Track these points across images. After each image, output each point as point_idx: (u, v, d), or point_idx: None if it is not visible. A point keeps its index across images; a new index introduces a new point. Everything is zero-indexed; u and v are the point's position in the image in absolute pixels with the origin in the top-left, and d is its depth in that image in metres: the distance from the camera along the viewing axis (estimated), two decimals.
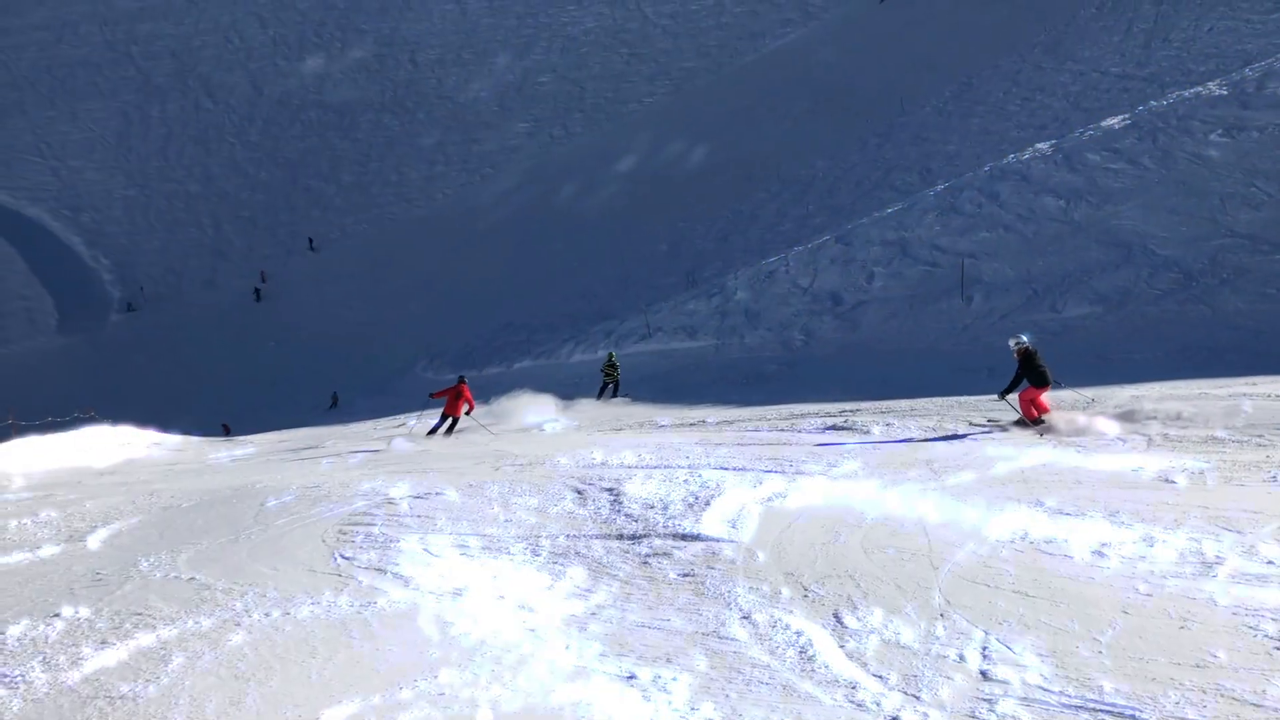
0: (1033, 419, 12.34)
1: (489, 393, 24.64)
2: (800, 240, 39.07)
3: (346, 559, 7.65)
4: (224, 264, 73.49)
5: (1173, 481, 8.16)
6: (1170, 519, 6.95)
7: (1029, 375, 12.50)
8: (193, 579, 7.40)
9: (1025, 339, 12.98)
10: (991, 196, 28.69)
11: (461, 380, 19.72)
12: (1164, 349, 18.17)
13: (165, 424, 32.87)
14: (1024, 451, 10.01)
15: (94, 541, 9.37)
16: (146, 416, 33.92)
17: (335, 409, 39.62)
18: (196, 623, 6.20)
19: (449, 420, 19.18)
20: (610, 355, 29.56)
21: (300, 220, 75.71)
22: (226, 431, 40.47)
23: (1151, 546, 6.36)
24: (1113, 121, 31.48)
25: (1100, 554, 6.29)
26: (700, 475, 9.66)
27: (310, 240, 71.66)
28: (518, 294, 54.64)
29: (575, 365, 31.72)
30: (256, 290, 67.71)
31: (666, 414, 18.21)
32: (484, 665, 5.17)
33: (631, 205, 60.52)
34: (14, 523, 10.76)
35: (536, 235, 61.88)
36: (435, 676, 5.04)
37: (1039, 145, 32.18)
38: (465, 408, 19.12)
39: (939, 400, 14.76)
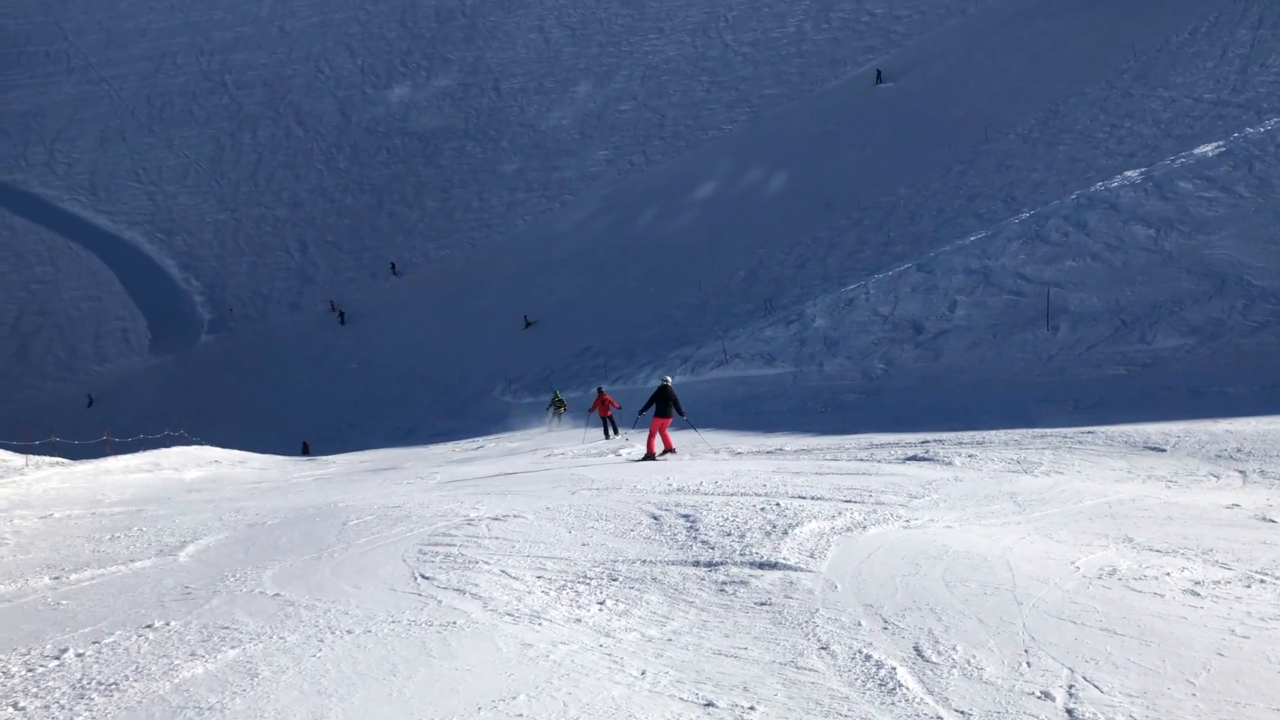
0: (651, 451, 16.43)
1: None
2: (881, 268, 38.74)
3: (426, 579, 7.74)
4: (309, 287, 75.41)
5: (1271, 520, 7.88)
6: (1269, 559, 6.71)
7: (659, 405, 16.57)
8: (277, 595, 7.57)
9: (669, 379, 17.48)
10: (1079, 225, 28.11)
11: (600, 390, 24.68)
12: (1259, 383, 17.54)
13: (250, 443, 33.93)
14: (1112, 487, 9.74)
15: (184, 556, 9.64)
16: (233, 435, 35.23)
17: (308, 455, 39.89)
18: (281, 638, 6.32)
19: (605, 422, 23.84)
20: (555, 393, 31.50)
21: (384, 245, 77.47)
22: (305, 450, 41.61)
23: (1248, 587, 6.14)
24: (1206, 149, 30.69)
25: (1193, 593, 6.08)
26: (778, 504, 9.58)
27: (393, 265, 73.70)
28: (595, 319, 54.99)
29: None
30: (340, 313, 69.32)
31: (743, 442, 18.18)
32: (561, 688, 5.17)
33: (710, 232, 60.65)
34: (109, 537, 11.19)
35: (614, 261, 62.33)
36: (514, 698, 5.06)
37: (1128, 174, 31.46)
38: (610, 409, 23.65)
39: (1022, 432, 14.46)
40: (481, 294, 65.15)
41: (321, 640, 6.22)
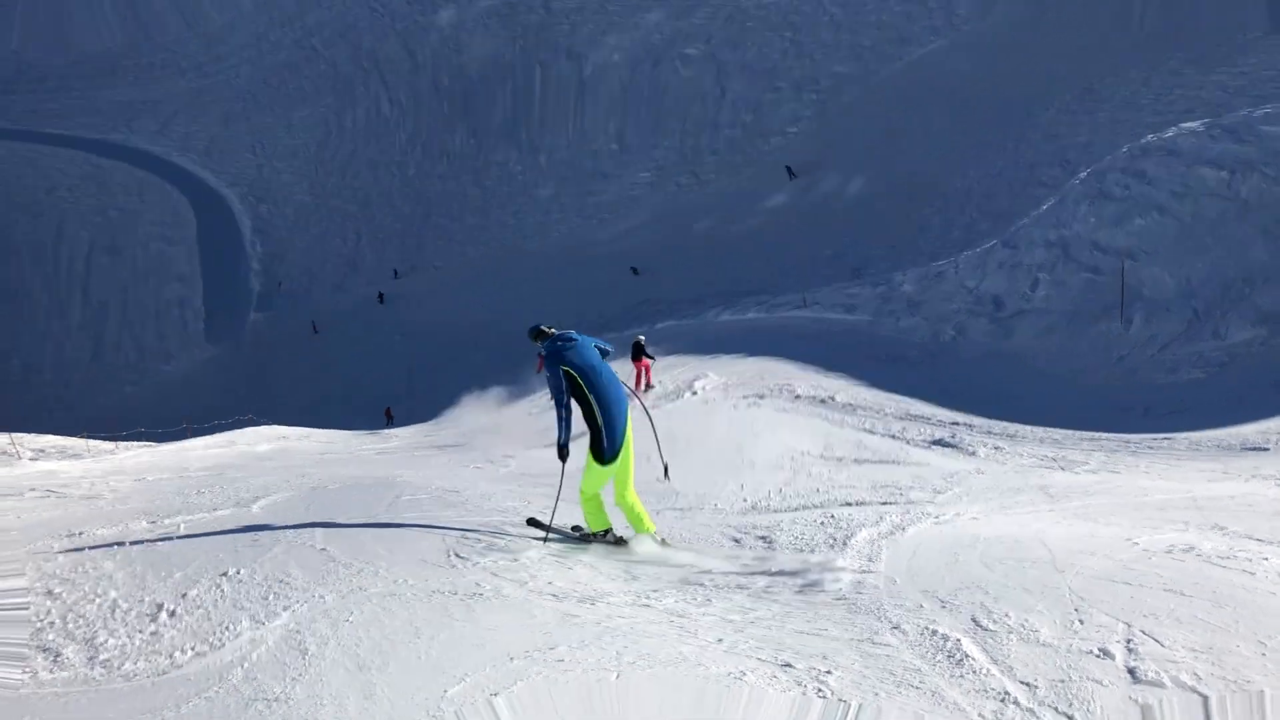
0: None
1: None
2: (969, 245, 38.52)
3: (461, 558, 7.70)
4: (354, 274, 79.10)
5: None
6: None
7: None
8: (324, 550, 7.92)
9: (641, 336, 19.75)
10: (1138, 176, 27.22)
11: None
12: None
13: (311, 419, 35.27)
14: (1200, 485, 9.46)
15: (256, 509, 10.52)
16: (293, 413, 36.70)
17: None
18: (321, 597, 6.55)
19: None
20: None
21: (429, 237, 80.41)
22: (389, 416, 44.95)
23: None
24: None
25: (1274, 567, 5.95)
26: (832, 515, 9.68)
27: (395, 271, 78.31)
28: (667, 272, 55.39)
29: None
30: (380, 294, 73.99)
31: (803, 380, 20.32)
32: (613, 643, 5.17)
33: (797, 225, 60.59)
34: (195, 491, 12.40)
35: (674, 266, 61.91)
36: (551, 649, 5.10)
37: (1185, 125, 29.63)
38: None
39: (1066, 432, 14.07)
40: (520, 290, 65.66)
41: (352, 603, 6.36)
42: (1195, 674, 4.41)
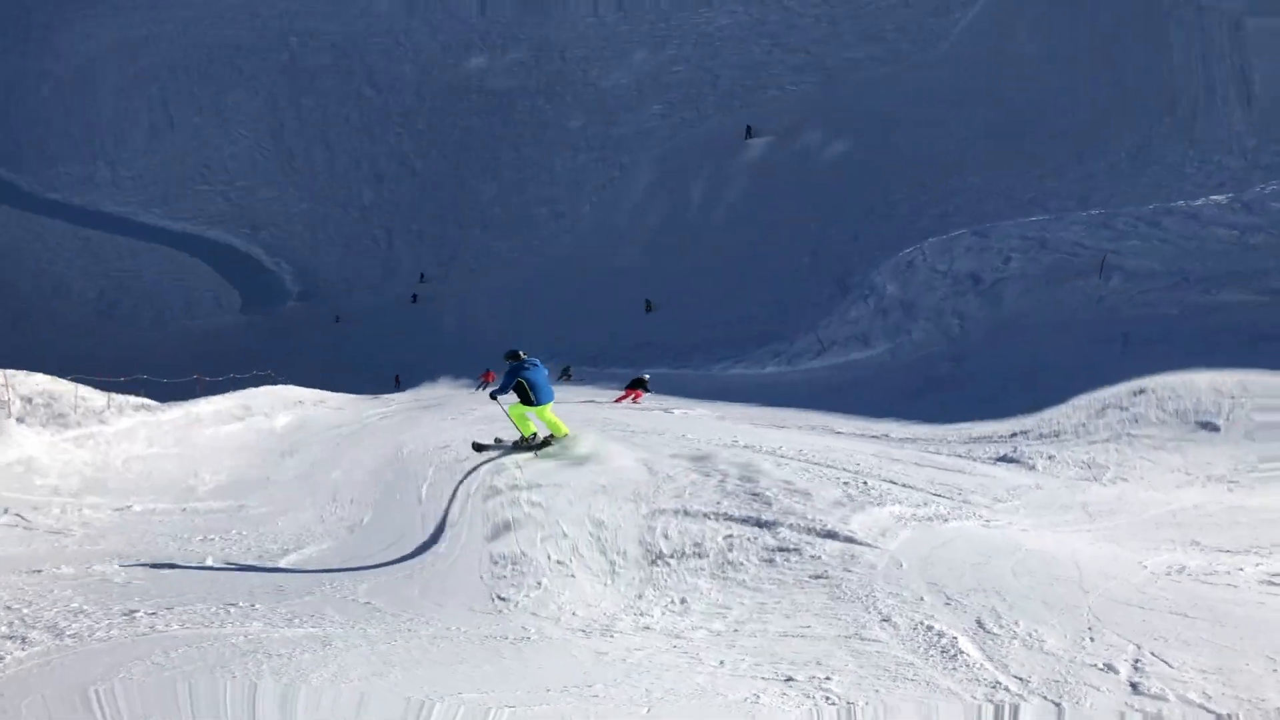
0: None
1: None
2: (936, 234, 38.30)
3: (503, 599, 7.75)
4: (392, 278, 78.11)
5: None
6: None
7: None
8: (369, 603, 7.60)
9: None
10: (1152, 224, 27.24)
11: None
12: None
13: (331, 384, 35.61)
14: (1174, 494, 9.65)
15: (284, 561, 9.45)
16: (315, 378, 37.22)
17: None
18: (364, 631, 6.44)
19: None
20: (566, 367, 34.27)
21: (463, 237, 79.73)
22: (397, 382, 48.86)
23: None
24: None
25: (1270, 584, 5.99)
26: (865, 481, 9.61)
27: (421, 275, 76.19)
28: (668, 317, 54.99)
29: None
30: (414, 294, 73.57)
31: (846, 425, 16.73)
32: (641, 679, 5.24)
33: (764, 204, 60.18)
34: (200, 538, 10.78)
35: (678, 263, 61.39)
36: (589, 685, 5.15)
37: (1214, 196, 29.48)
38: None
39: (1085, 410, 14.24)
40: (550, 287, 65.89)
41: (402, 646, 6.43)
42: (1205, 693, 4.41)
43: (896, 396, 22.46)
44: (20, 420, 17.43)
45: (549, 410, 12.36)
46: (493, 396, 12.70)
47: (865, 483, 9.59)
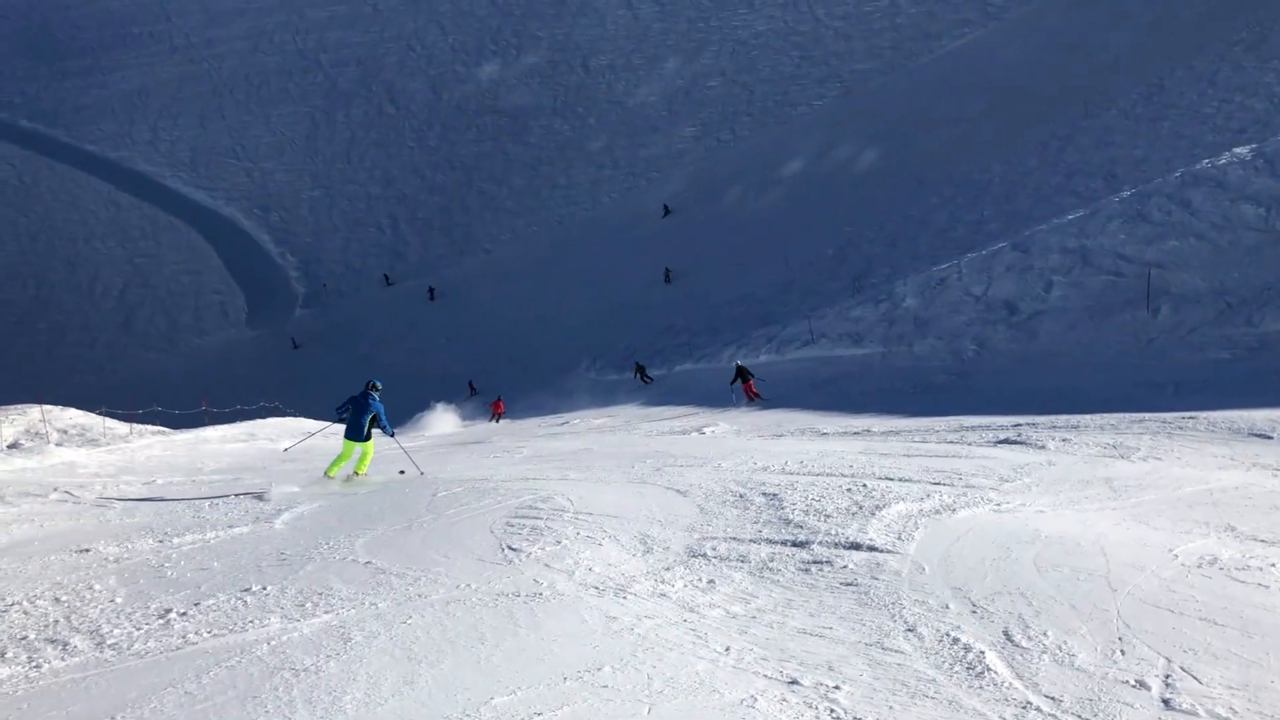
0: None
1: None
2: (974, 247, 37.76)
3: (514, 550, 7.88)
4: (400, 263, 76.98)
5: None
6: None
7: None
8: (369, 563, 7.84)
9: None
10: (1183, 204, 26.88)
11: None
12: None
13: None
14: (1214, 474, 9.39)
15: (279, 524, 10.18)
16: (325, 406, 36.40)
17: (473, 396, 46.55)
18: (374, 604, 6.50)
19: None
20: (637, 364, 34.55)
21: (474, 221, 78.61)
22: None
23: None
24: None
25: None
26: (864, 485, 9.49)
27: (431, 290, 73.51)
28: (680, 297, 54.81)
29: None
30: (431, 289, 70.65)
31: (829, 423, 17.94)
32: (646, 662, 5.20)
33: (797, 209, 60.14)
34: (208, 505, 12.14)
35: (700, 238, 62.01)
36: (599, 670, 5.12)
37: (1237, 150, 29.85)
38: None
39: (1119, 416, 14.05)
40: (568, 270, 65.70)
41: (413, 607, 6.38)
42: (1232, 709, 4.28)
43: (879, 395, 22.35)
44: (59, 445, 21.84)
45: (354, 447, 13.59)
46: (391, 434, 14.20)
47: (865, 485, 9.46)
